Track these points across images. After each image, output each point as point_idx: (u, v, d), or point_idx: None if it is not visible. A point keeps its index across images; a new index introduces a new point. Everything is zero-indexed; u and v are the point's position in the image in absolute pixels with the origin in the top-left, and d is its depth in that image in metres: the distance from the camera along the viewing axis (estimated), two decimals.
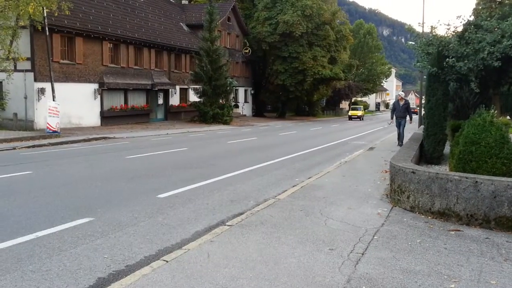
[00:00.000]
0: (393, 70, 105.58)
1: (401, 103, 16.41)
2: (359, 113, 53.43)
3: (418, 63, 11.19)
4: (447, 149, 11.07)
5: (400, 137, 16.37)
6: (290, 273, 4.20)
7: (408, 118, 16.42)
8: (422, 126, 13.06)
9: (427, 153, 10.45)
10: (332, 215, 6.33)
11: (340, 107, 72.16)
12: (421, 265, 4.48)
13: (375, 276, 4.17)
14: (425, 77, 19.88)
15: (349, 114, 54.17)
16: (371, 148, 16.29)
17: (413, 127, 28.19)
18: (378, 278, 4.13)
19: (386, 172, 9.85)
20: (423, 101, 25.34)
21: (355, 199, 7.40)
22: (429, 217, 6.23)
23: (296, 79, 45.75)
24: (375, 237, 5.35)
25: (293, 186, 8.68)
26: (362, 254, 4.77)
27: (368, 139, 22.29)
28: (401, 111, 16.28)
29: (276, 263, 4.45)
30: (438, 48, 9.96)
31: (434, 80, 10.00)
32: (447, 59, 9.53)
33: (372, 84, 78.56)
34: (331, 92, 57.42)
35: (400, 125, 16.46)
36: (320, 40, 46.21)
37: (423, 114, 12.05)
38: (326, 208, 6.74)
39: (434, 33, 10.92)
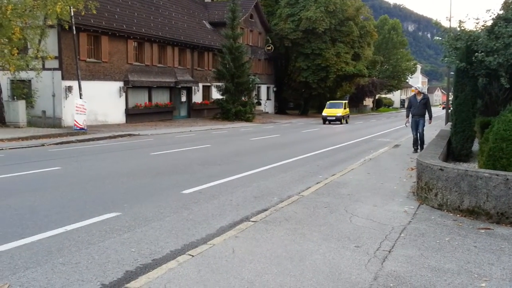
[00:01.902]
0: (419, 66, 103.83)
1: (419, 98, 13.38)
2: (339, 112, 33.64)
3: (446, 58, 10.96)
4: (475, 146, 10.83)
5: (419, 139, 13.40)
6: (316, 269, 4.18)
7: (427, 116, 13.41)
8: (450, 123, 12.82)
9: (455, 150, 10.25)
10: (357, 212, 6.27)
11: (364, 104, 71.37)
12: (450, 263, 4.40)
13: (402, 273, 4.11)
14: (452, 72, 19.48)
15: (324, 114, 33.96)
16: (396, 146, 16.06)
17: (439, 125, 27.69)
18: (406, 275, 4.07)
19: (412, 169, 9.70)
20: (450, 98, 24.86)
21: (380, 197, 7.31)
22: (458, 215, 6.11)
23: (319, 76, 45.47)
24: (402, 235, 5.27)
25: (317, 183, 8.63)
26: (389, 251, 4.70)
27: (393, 136, 22.00)
28: (418, 108, 13.29)
29: (301, 259, 4.44)
30: (467, 43, 9.74)
31: (462, 75, 9.79)
32: (476, 53, 9.31)
33: (397, 81, 77.42)
34: (355, 89, 56.89)
35: (418, 125, 13.32)
36: (344, 36, 45.78)
37: (451, 111, 11.83)
38: (351, 205, 6.68)
39: (462, 28, 10.69)
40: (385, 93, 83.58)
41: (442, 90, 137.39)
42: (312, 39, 44.51)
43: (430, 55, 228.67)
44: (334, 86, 48.21)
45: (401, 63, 75.95)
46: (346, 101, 38.09)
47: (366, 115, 58.73)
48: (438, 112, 65.63)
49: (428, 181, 6.67)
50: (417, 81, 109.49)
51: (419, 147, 13.33)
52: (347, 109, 36.12)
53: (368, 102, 75.33)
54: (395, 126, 31.22)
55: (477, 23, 10.56)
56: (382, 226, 5.61)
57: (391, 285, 3.88)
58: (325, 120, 33.42)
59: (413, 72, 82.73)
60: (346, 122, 34.72)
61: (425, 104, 13.32)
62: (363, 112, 65.81)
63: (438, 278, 4.03)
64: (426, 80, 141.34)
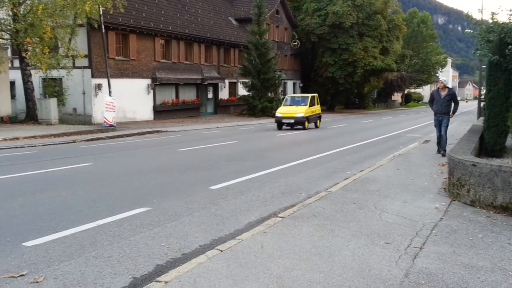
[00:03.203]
0: (449, 60, 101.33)
1: (443, 93, 11.34)
2: (300, 111, 22.28)
3: (478, 52, 10.65)
4: (509, 141, 10.52)
5: (442, 141, 11.61)
6: (345, 265, 4.14)
7: (451, 113, 11.51)
8: (482, 118, 12.47)
9: (488, 146, 9.98)
10: (386, 209, 6.18)
11: (392, 99, 70.23)
12: (483, 260, 4.29)
13: (434, 271, 4.04)
14: (484, 66, 18.92)
15: (278, 114, 22.65)
16: (427, 141, 15.72)
17: (471, 120, 27.02)
18: (437, 273, 3.99)
19: (444, 165, 9.50)
20: (482, 92, 24.20)
21: (410, 193, 7.19)
22: (491, 212, 5.95)
23: (346, 71, 44.98)
24: (433, 232, 5.17)
25: (345, 179, 8.55)
26: (420, 248, 4.62)
27: (423, 132, 21.58)
28: (442, 104, 11.28)
29: (330, 255, 4.41)
30: (500, 35, 9.44)
31: (495, 69, 9.51)
32: (510, 46, 9.02)
33: (427, 75, 75.83)
34: (383, 83, 56.02)
35: (441, 124, 11.50)
36: (371, 30, 45.10)
37: (483, 105, 11.50)
38: (380, 202, 6.59)
39: (494, 20, 10.36)
40: (414, 88, 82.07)
41: (474, 84, 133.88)
42: (339, 33, 44.04)
43: (461, 49, 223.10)
44: (361, 81, 47.60)
45: (431, 57, 74.35)
46: (315, 95, 24.50)
47: (395, 110, 57.79)
48: (464, 107, 64.22)
49: (460, 177, 6.51)
50: (448, 75, 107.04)
51: (441, 151, 11.68)
52: (317, 107, 24.07)
53: (397, 97, 74.09)
54: (424, 122, 30.61)
55: (510, 15, 10.22)
56: (412, 223, 5.52)
57: (423, 282, 3.81)
58: (280, 123, 21.96)
59: (443, 66, 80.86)
60: (316, 126, 23.77)
61: (451, 100, 11.36)
62: (391, 107, 64.79)
63: (471, 276, 3.93)
64: (457, 74, 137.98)
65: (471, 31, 11.57)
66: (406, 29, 55.44)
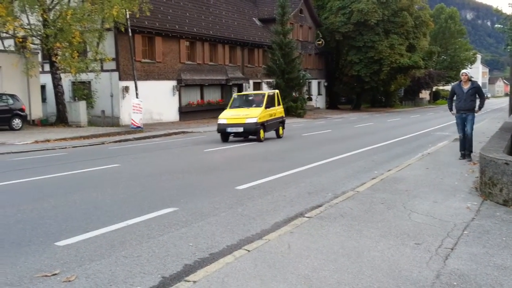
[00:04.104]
0: (478, 56, 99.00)
1: (465, 86, 9.92)
2: (252, 115, 16.01)
3: (509, 47, 10.40)
4: None
5: (468, 141, 10.34)
6: (374, 266, 4.09)
7: (477, 109, 10.10)
8: None
9: None
10: (416, 209, 6.07)
11: (420, 97, 68.97)
12: None
13: (466, 272, 3.94)
14: None
15: (221, 121, 16.35)
16: (456, 139, 15.33)
17: (502, 117, 26.30)
18: (470, 274, 3.89)
19: (475, 164, 9.27)
20: None
21: (440, 192, 7.03)
22: None
23: (372, 69, 44.43)
24: (465, 232, 5.05)
25: (372, 179, 8.43)
26: (452, 249, 4.51)
27: (452, 130, 21.06)
28: (465, 100, 9.92)
29: (358, 256, 4.35)
30: None
31: None
32: None
33: (455, 72, 74.04)
34: (410, 81, 55.02)
35: (465, 122, 10.20)
36: (398, 27, 44.40)
37: None
38: (409, 202, 6.47)
39: None
40: (443, 85, 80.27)
41: (505, 81, 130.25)
42: (364, 31, 43.55)
43: (490, 44, 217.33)
44: (388, 79, 46.91)
45: (460, 53, 72.66)
46: (275, 92, 18.39)
47: (423, 108, 56.74)
48: (495, 104, 62.56)
49: (492, 176, 6.34)
50: (477, 71, 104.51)
51: (466, 152, 10.45)
52: (277, 109, 17.82)
53: (425, 94, 72.72)
54: (454, 119, 29.92)
55: None
56: (443, 223, 5.40)
57: (455, 283, 3.72)
58: (225, 133, 16.22)
59: (472, 62, 78.86)
60: (278, 136, 17.82)
61: (476, 94, 9.98)
62: (419, 105, 63.63)
63: (505, 277, 3.82)
64: (487, 70, 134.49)
65: (501, 26, 11.31)
66: (433, 25, 54.33)
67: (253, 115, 15.87)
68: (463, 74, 10.08)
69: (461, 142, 10.54)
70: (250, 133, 16.07)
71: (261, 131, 16.09)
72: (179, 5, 30.61)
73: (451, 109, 10.84)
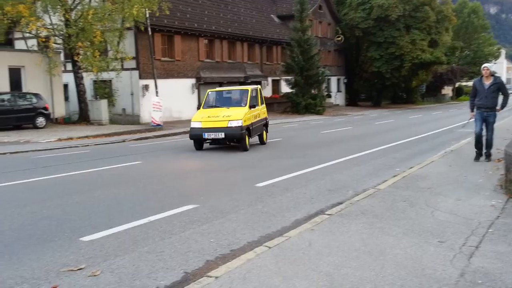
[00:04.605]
0: (503, 51, 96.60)
1: (487, 82, 9.14)
2: (235, 116, 12.55)
3: None
4: None
5: (487, 141, 9.49)
6: (397, 264, 4.05)
7: (498, 107, 9.20)
8: None
9: None
10: (439, 207, 5.99)
11: (442, 93, 67.83)
12: None
13: (492, 270, 3.87)
14: None
15: (194, 125, 12.91)
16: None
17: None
18: (495, 272, 3.82)
19: (499, 161, 9.06)
20: None
21: (464, 190, 6.92)
22: None
23: (393, 65, 43.83)
24: (489, 230, 4.96)
25: (394, 176, 8.33)
26: (476, 247, 4.44)
27: None
28: (488, 97, 9.09)
29: (381, 253, 4.32)
30: None
31: None
32: None
33: (479, 67, 72.52)
34: (432, 77, 54.11)
35: (485, 121, 9.32)
36: (419, 22, 43.67)
37: None
38: (432, 199, 6.39)
39: None
40: (466, 81, 78.77)
41: None
42: (384, 27, 42.99)
43: None
44: (409, 75, 46.19)
45: (483, 48, 71.08)
46: (257, 88, 14.79)
47: (445, 105, 55.79)
48: None
49: None
50: (502, 66, 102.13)
51: (484, 151, 9.59)
52: (261, 108, 14.69)
53: (447, 90, 71.44)
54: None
55: None
56: (467, 221, 5.31)
57: (480, 281, 3.67)
58: (200, 140, 13.17)
59: (496, 57, 77.08)
60: (261, 142, 14.60)
61: (497, 92, 9.14)
62: (441, 102, 62.57)
63: None
64: None
65: None
66: (456, 20, 53.30)
67: (236, 116, 12.46)
68: (485, 68, 9.24)
69: (477, 139, 9.51)
70: (232, 140, 12.80)
71: (246, 137, 12.70)
72: (197, 3, 30.74)
73: (472, 109, 9.65)
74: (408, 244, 4.56)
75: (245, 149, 12.69)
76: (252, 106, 13.35)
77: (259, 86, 14.93)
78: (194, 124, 12.85)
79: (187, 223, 5.62)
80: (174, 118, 26.78)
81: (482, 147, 9.54)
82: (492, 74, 9.21)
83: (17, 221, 5.88)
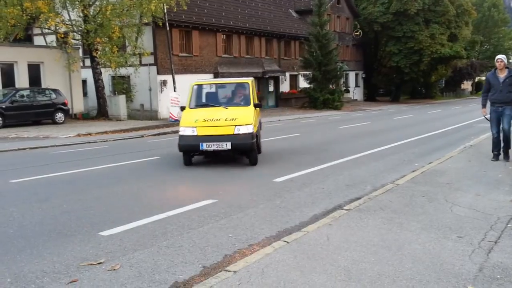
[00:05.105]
0: None
1: (501, 75, 8.50)
2: (243, 119, 9.22)
3: None
4: None
5: (504, 139, 8.85)
6: (415, 259, 4.03)
7: None
8: None
9: None
10: (458, 202, 5.93)
11: (462, 87, 66.75)
12: None
13: (510, 265, 3.83)
14: None
15: (183, 129, 9.40)
16: None
17: None
18: None
19: None
20: None
21: (483, 185, 6.84)
22: None
23: (412, 60, 43.30)
24: (509, 225, 4.90)
25: (412, 171, 8.27)
26: (495, 242, 4.40)
27: None
28: (502, 91, 8.46)
29: (399, 248, 4.31)
30: None
31: None
32: None
33: None
34: (451, 72, 53.27)
35: (501, 119, 8.67)
36: (438, 16, 43.01)
37: None
38: (451, 194, 6.33)
39: None
40: (486, 75, 77.51)
41: None
42: (403, 21, 42.45)
43: None
44: (428, 70, 45.59)
45: (503, 42, 69.70)
46: (252, 81, 10.69)
47: (465, 99, 54.96)
48: None
49: None
50: None
51: (502, 151, 8.97)
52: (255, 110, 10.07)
53: (467, 85, 70.30)
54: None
55: None
56: (486, 216, 5.26)
57: (498, 276, 3.64)
58: (189, 151, 9.68)
59: None
60: (258, 151, 10.25)
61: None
62: (461, 96, 61.64)
63: None
64: None
65: None
66: (476, 14, 52.29)
67: (244, 119, 9.25)
68: (498, 60, 8.57)
69: (495, 141, 8.91)
70: (243, 152, 9.59)
71: (254, 140, 9.37)
72: None
73: (484, 106, 9.03)
74: (426, 239, 4.54)
75: (255, 162, 9.52)
76: (257, 105, 10.16)
77: (252, 79, 10.86)
78: (186, 131, 9.26)
79: (206, 218, 5.67)
80: None
81: (499, 147, 8.93)
82: (507, 66, 8.59)
83: (38, 215, 6.01)
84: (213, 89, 10.95)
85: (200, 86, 10.62)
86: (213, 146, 9.06)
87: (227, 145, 9.02)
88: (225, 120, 9.24)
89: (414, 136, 14.60)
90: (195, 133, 9.20)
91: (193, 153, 9.74)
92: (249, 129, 9.15)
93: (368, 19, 44.23)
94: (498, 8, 69.23)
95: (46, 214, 6.05)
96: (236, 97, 10.46)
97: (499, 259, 3.98)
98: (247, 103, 9.98)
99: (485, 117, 9.43)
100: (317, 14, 33.47)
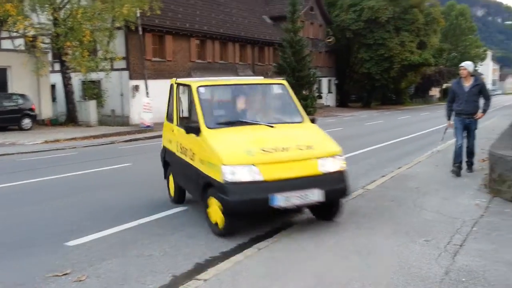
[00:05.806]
0: (489, 53, 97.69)
1: (467, 84, 7.76)
2: (326, 149, 5.41)
3: None
4: None
5: (468, 150, 8.12)
6: (384, 263, 4.11)
7: (480, 112, 7.80)
8: None
9: None
10: (425, 206, 6.07)
11: (430, 94, 68.45)
12: None
13: (475, 268, 3.94)
14: None
15: (242, 173, 4.75)
16: None
17: (511, 114, 25.97)
18: (479, 270, 3.90)
19: (484, 161, 9.17)
20: None
21: (450, 189, 7.01)
22: None
23: (382, 67, 44.12)
24: (474, 229, 5.04)
25: (383, 176, 8.41)
26: (460, 245, 4.52)
27: None
28: (467, 101, 7.72)
29: (369, 253, 4.38)
30: None
31: None
32: None
33: None
34: (420, 78, 54.53)
35: (468, 129, 7.93)
36: (408, 24, 44.00)
37: None
38: (419, 199, 6.47)
39: None
40: None
41: None
42: (374, 29, 43.27)
43: (501, 41, 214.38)
44: (398, 77, 46.54)
45: (470, 50, 71.90)
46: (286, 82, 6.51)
47: (433, 105, 56.22)
48: (504, 101, 61.84)
49: (502, 173, 6.31)
50: (488, 68, 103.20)
51: (464, 162, 8.18)
52: None
53: (435, 92, 72.06)
54: None
55: None
56: (452, 220, 5.40)
57: (463, 279, 3.74)
58: (250, 210, 4.99)
59: (483, 59, 78.06)
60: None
61: (479, 95, 7.75)
62: (429, 103, 63.08)
63: None
64: (498, 67, 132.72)
65: (511, 23, 11.10)
66: (444, 22, 53.78)
67: (324, 146, 5.65)
68: (461, 67, 7.83)
69: (457, 152, 7.95)
70: (334, 203, 5.49)
71: None
72: (189, 4, 30.68)
73: (449, 117, 8.13)
74: (395, 244, 4.62)
75: (328, 217, 5.61)
76: (313, 119, 6.26)
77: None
78: (239, 173, 4.85)
79: (177, 226, 5.62)
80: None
81: (462, 160, 8.07)
82: (472, 74, 7.90)
83: (1, 226, 5.83)
84: (227, 95, 6.38)
85: (209, 90, 6.10)
86: (295, 200, 4.93)
87: (315, 194, 4.99)
88: (298, 149, 5.24)
89: (384, 142, 14.87)
90: (259, 177, 4.88)
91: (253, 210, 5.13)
92: (339, 163, 5.53)
93: (340, 26, 44.88)
94: (465, 17, 71.49)
95: (10, 224, 5.88)
96: (268, 108, 6.44)
97: (464, 262, 4.09)
98: (297, 117, 6.09)
99: (444, 132, 9.15)
100: (290, 20, 33.73)
